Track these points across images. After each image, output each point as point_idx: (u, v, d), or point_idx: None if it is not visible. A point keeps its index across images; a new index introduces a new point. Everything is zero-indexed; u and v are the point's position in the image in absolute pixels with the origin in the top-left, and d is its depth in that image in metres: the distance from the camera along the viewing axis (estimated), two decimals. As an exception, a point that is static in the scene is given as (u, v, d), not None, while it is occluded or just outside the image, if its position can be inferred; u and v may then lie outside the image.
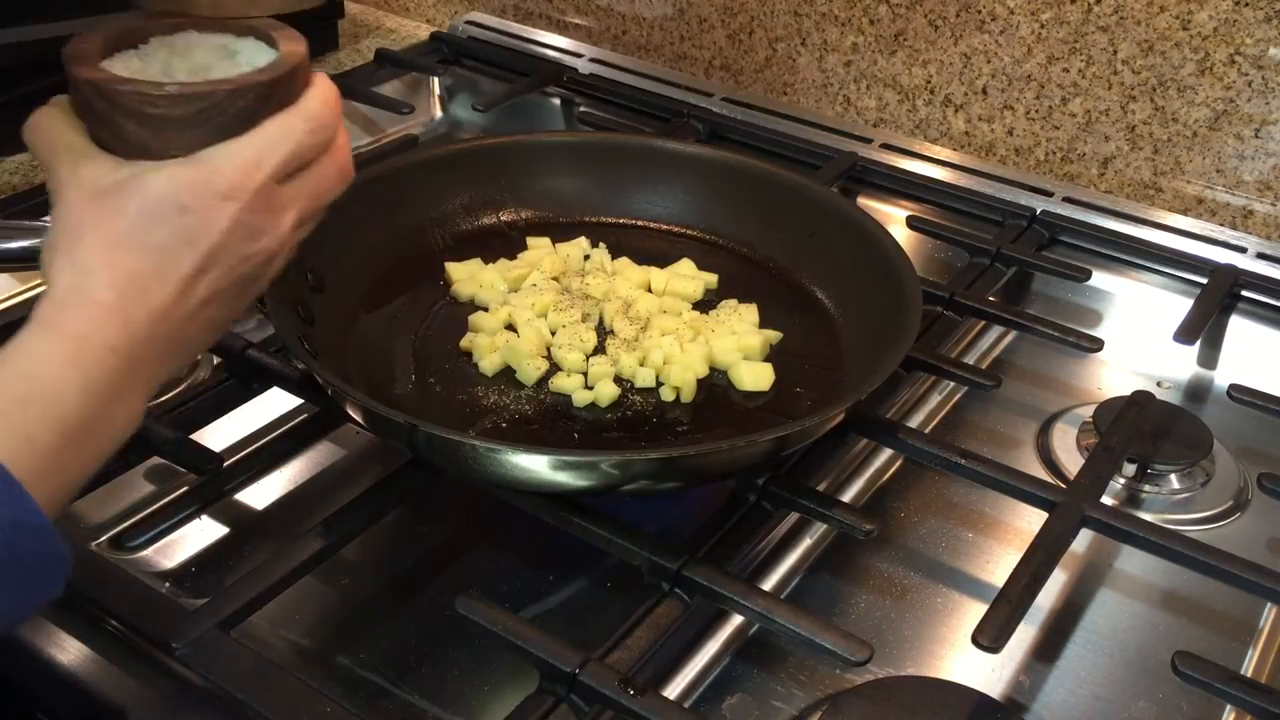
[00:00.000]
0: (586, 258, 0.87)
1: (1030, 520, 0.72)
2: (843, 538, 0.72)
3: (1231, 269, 0.93)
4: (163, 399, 0.76)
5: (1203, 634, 0.69)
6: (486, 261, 0.86)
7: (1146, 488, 0.78)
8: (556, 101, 1.20)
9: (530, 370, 0.75)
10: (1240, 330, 0.91)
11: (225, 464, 0.72)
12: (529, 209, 0.92)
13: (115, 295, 0.50)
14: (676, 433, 0.73)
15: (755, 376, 0.76)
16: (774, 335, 0.80)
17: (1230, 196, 1.00)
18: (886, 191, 1.06)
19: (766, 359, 0.78)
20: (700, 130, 1.11)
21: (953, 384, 0.85)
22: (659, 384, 0.76)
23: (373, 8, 1.43)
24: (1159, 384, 0.89)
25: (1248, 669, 0.67)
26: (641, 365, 0.76)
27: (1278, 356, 0.90)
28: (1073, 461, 0.79)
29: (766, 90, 1.20)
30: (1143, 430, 0.77)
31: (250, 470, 0.74)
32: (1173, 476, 0.78)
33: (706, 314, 0.82)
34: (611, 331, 0.80)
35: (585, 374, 0.76)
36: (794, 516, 0.72)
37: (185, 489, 0.72)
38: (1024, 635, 0.67)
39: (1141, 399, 0.79)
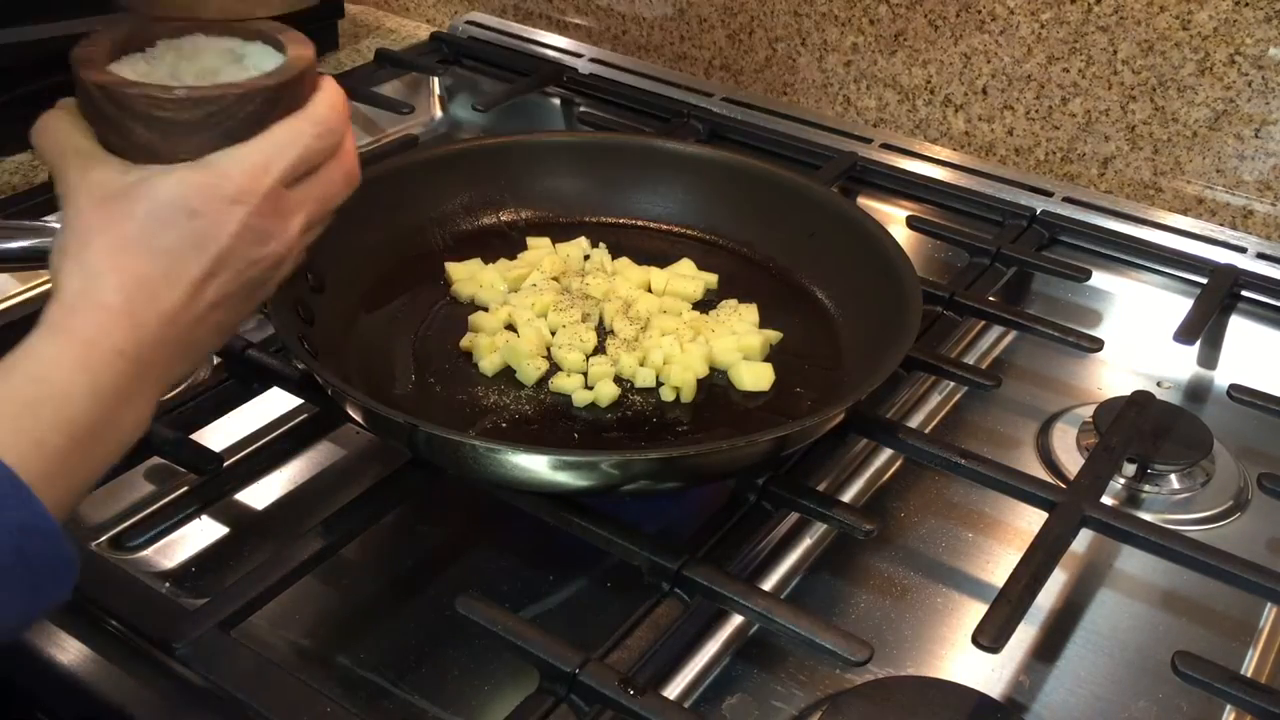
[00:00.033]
0: (586, 258, 0.87)
1: (1030, 520, 0.72)
2: (843, 538, 0.72)
3: (1231, 269, 0.93)
4: (163, 399, 0.76)
5: (1203, 634, 0.69)
6: (486, 261, 0.86)
7: (1146, 488, 0.78)
8: (556, 101, 1.20)
9: (530, 370, 0.75)
10: (1240, 330, 0.91)
11: (225, 464, 0.72)
12: (529, 209, 0.92)
13: (124, 299, 0.51)
14: (676, 433, 0.73)
15: (755, 376, 0.76)
16: (774, 335, 0.80)
17: (1230, 196, 1.00)
18: (886, 191, 1.06)
19: (766, 359, 0.78)
20: (700, 130, 1.11)
21: (953, 384, 0.85)
22: (659, 384, 0.76)
23: (373, 8, 1.43)
24: (1159, 384, 0.89)
25: (1248, 669, 0.67)
26: (641, 365, 0.76)
27: (1278, 356, 0.90)
28: (1073, 461, 0.79)
29: (766, 90, 1.20)
30: (1143, 430, 0.77)
31: (250, 470, 0.74)
32: (1173, 476, 0.78)
33: (706, 314, 0.82)
34: (611, 331, 0.80)
35: (585, 374, 0.76)
36: (794, 516, 0.72)
37: (185, 489, 0.72)
38: (1024, 635, 0.67)
39: (1141, 399, 0.79)
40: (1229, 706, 0.63)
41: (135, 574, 0.66)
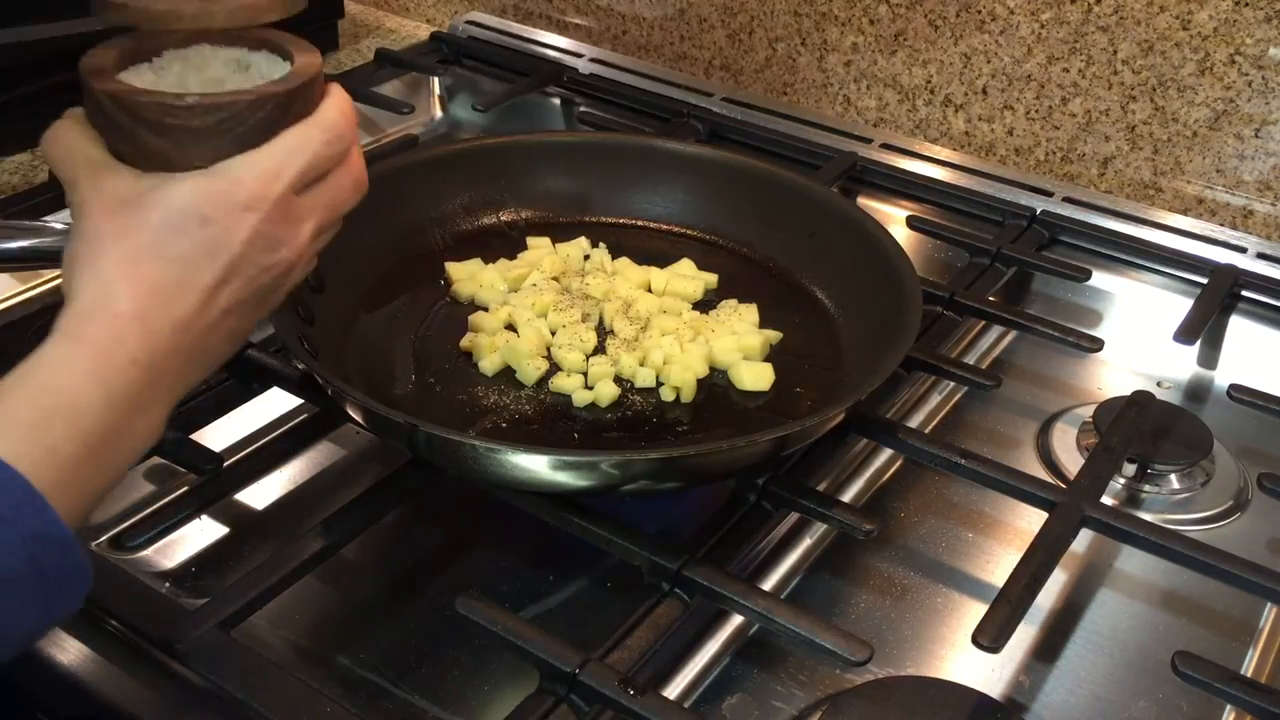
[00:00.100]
0: (586, 258, 0.87)
1: (1030, 520, 0.72)
2: (843, 538, 0.72)
3: (1231, 269, 0.93)
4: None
5: (1203, 634, 0.69)
6: (486, 261, 0.86)
7: (1146, 488, 0.78)
8: (556, 101, 1.20)
9: (530, 370, 0.75)
10: (1240, 330, 0.91)
11: (225, 464, 0.72)
12: (529, 209, 0.92)
13: (137, 307, 0.51)
14: (676, 433, 0.73)
15: (755, 376, 0.76)
16: (774, 335, 0.80)
17: (1230, 196, 1.00)
18: (886, 191, 1.06)
19: (766, 359, 0.78)
20: (700, 130, 1.11)
21: (953, 384, 0.85)
22: (659, 384, 0.76)
23: (373, 8, 1.43)
24: (1159, 384, 0.89)
25: (1248, 669, 0.67)
26: (641, 365, 0.76)
27: (1278, 356, 0.90)
28: (1073, 461, 0.79)
29: (766, 90, 1.20)
30: (1143, 430, 0.77)
31: (250, 470, 0.74)
32: (1173, 476, 0.78)
33: (706, 314, 0.82)
34: (611, 331, 0.80)
35: (585, 374, 0.76)
36: (794, 516, 0.72)
37: (185, 489, 0.72)
38: (1024, 635, 0.67)
39: (1141, 399, 0.79)
40: (1229, 706, 0.63)
41: (135, 574, 0.66)
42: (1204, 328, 0.87)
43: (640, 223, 0.92)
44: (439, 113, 1.25)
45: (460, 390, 0.75)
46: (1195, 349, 0.89)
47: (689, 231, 0.92)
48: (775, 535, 0.71)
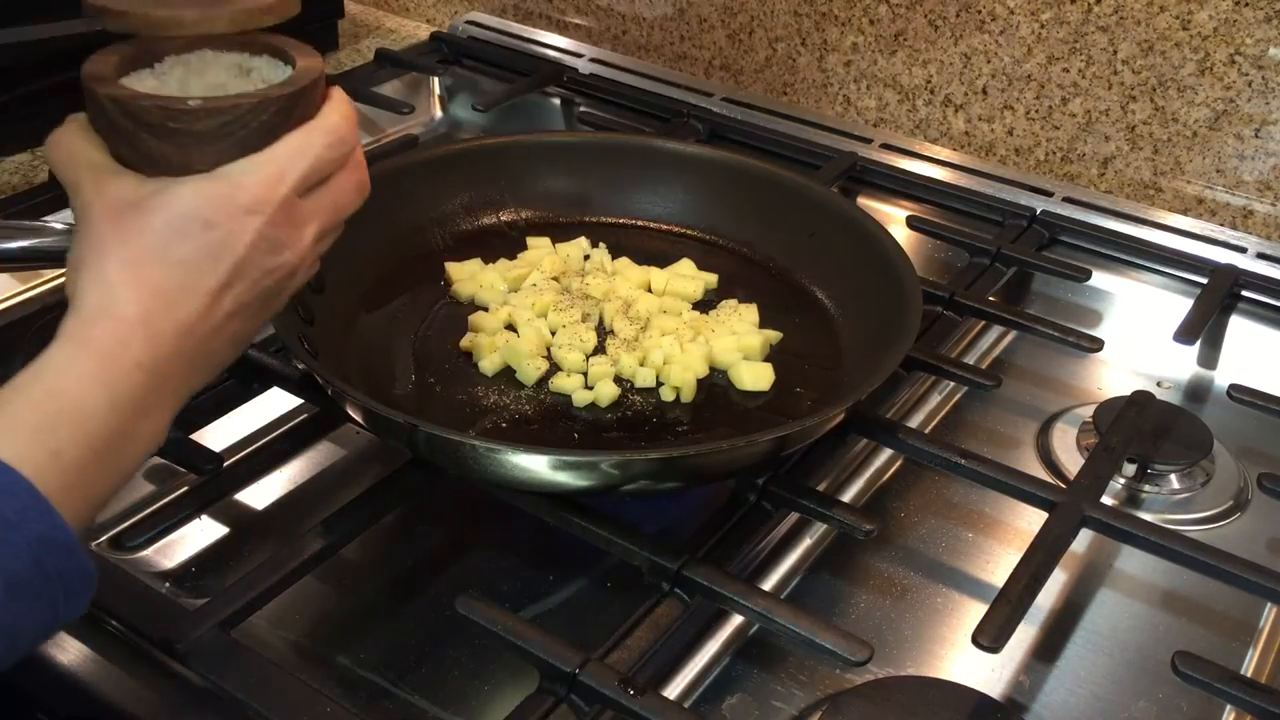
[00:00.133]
0: (586, 258, 0.87)
1: (1030, 520, 0.72)
2: (843, 538, 0.72)
3: (1231, 269, 0.93)
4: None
5: (1203, 634, 0.69)
6: (486, 261, 0.86)
7: (1146, 488, 0.78)
8: (556, 101, 1.20)
9: (530, 370, 0.75)
10: (1240, 330, 0.92)
11: (225, 464, 0.72)
12: (529, 209, 0.92)
13: (141, 311, 0.51)
14: (676, 433, 0.73)
15: (755, 376, 0.76)
16: (774, 335, 0.80)
17: (1230, 196, 1.00)
18: (886, 191, 1.06)
19: (766, 359, 0.78)
20: (700, 130, 1.11)
21: (953, 384, 0.85)
22: (659, 384, 0.76)
23: (373, 8, 1.43)
24: (1159, 384, 0.89)
25: (1248, 669, 0.67)
26: (641, 365, 0.76)
27: (1278, 356, 0.90)
28: (1073, 461, 0.79)
29: (766, 90, 1.20)
30: (1143, 430, 0.77)
31: (250, 470, 0.74)
32: (1173, 476, 0.78)
33: (706, 314, 0.82)
34: (611, 331, 0.80)
35: (585, 374, 0.76)
36: (794, 516, 0.72)
37: (185, 489, 0.72)
38: (1024, 635, 0.67)
39: (1141, 399, 0.79)
40: (1229, 706, 0.63)
41: (135, 574, 0.66)
42: (1204, 328, 0.87)
43: (640, 223, 0.92)
44: (439, 113, 1.25)
45: (460, 390, 0.75)
46: (1195, 349, 0.89)
47: (689, 231, 0.92)
48: (775, 535, 0.71)
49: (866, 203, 1.05)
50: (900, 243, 0.80)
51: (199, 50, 0.59)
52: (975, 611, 0.62)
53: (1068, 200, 1.02)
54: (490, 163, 0.91)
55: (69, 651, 0.59)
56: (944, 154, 1.09)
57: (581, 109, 1.17)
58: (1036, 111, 1.06)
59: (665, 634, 0.61)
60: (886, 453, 0.78)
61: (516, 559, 0.70)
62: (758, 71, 1.20)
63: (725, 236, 0.91)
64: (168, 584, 0.67)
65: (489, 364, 0.76)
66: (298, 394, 0.77)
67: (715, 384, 0.77)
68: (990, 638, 0.59)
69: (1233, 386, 0.83)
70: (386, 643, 0.65)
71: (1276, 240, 0.98)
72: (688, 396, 0.75)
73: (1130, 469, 0.78)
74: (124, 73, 0.57)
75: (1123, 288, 0.96)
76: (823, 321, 0.83)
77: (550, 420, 0.73)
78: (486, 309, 0.81)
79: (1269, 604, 0.70)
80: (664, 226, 0.92)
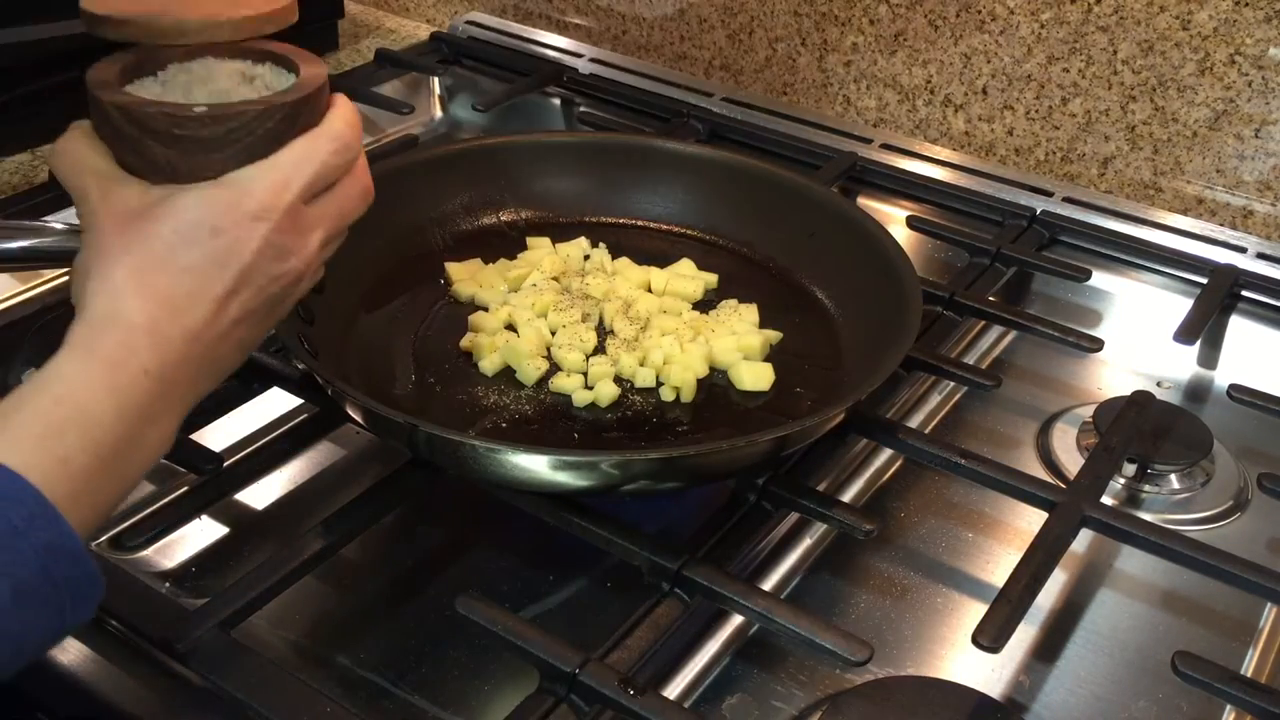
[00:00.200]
0: (586, 258, 0.87)
1: (1030, 520, 0.72)
2: (843, 538, 0.72)
3: (1231, 269, 0.93)
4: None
5: (1203, 634, 0.69)
6: (486, 261, 0.86)
7: (1146, 488, 0.78)
8: (556, 101, 1.20)
9: (530, 370, 0.75)
10: (1240, 330, 0.92)
11: (225, 464, 0.72)
12: (529, 209, 0.92)
13: (149, 319, 0.51)
14: (676, 433, 0.73)
15: (755, 376, 0.76)
16: (774, 335, 0.80)
17: (1230, 196, 1.00)
18: (886, 191, 1.06)
19: (766, 359, 0.78)
20: (700, 130, 1.11)
21: (953, 384, 0.85)
22: (659, 384, 0.76)
23: (373, 8, 1.43)
24: (1159, 384, 0.89)
25: (1248, 669, 0.67)
26: (641, 365, 0.76)
27: (1278, 356, 0.90)
28: (1073, 461, 0.79)
29: (766, 90, 1.20)
30: (1143, 430, 0.77)
31: (250, 470, 0.74)
32: (1173, 476, 0.78)
33: (706, 314, 0.82)
34: (611, 331, 0.80)
35: (585, 374, 0.76)
36: (794, 516, 0.72)
37: (185, 489, 0.72)
38: (1024, 635, 0.67)
39: (1141, 399, 0.79)
40: (1229, 706, 0.63)
41: (135, 574, 0.66)
42: (1204, 328, 0.87)
43: (640, 223, 0.92)
44: (439, 113, 1.25)
45: (460, 390, 0.75)
46: (1195, 349, 0.89)
47: (689, 231, 0.92)
48: (775, 535, 0.71)
49: (866, 203, 1.05)
50: (900, 243, 0.80)
51: (202, 58, 0.59)
52: (975, 611, 0.62)
53: (1068, 200, 1.02)
54: (490, 163, 0.91)
55: (69, 652, 0.59)
56: (944, 154, 1.09)
57: (581, 109, 1.17)
58: (1036, 111, 1.06)
59: (665, 634, 0.61)
60: (886, 453, 0.78)
61: (516, 559, 0.70)
62: (758, 71, 1.20)
63: (725, 236, 0.91)
64: (168, 584, 0.67)
65: (489, 364, 0.76)
66: (298, 394, 0.77)
67: (715, 384, 0.77)
68: (990, 638, 0.59)
69: (1233, 386, 0.83)
70: (386, 643, 0.65)
71: (1276, 240, 0.98)
72: (688, 396, 0.75)
73: (1130, 469, 0.78)
74: (127, 80, 0.57)
75: (1123, 288, 0.96)
76: (823, 321, 0.83)
77: (550, 420, 0.73)
78: (486, 309, 0.81)
79: (1269, 604, 0.70)
80: (664, 226, 0.92)
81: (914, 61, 1.10)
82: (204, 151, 0.53)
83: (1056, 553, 0.66)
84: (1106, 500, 0.72)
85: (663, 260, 0.87)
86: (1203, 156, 1.00)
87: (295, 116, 0.55)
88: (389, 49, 1.25)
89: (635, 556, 0.64)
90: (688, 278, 0.84)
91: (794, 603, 0.64)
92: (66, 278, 0.86)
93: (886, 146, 1.10)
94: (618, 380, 0.76)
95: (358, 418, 0.67)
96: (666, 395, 0.75)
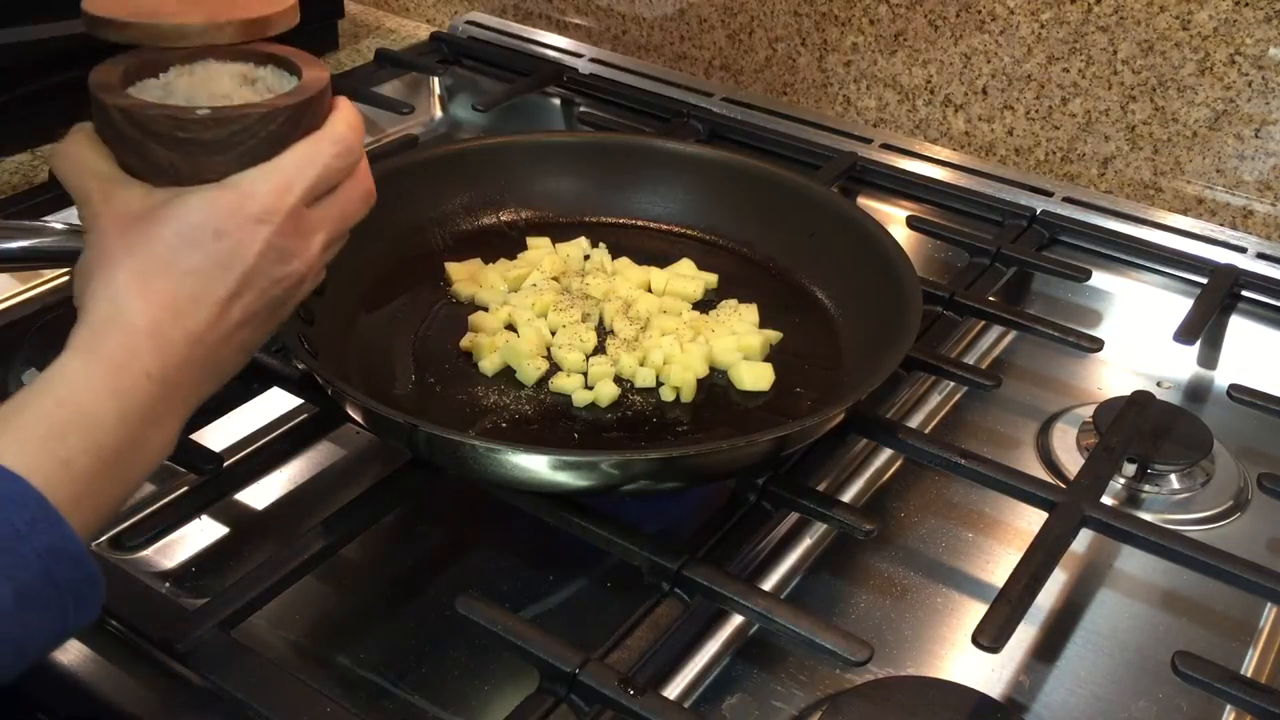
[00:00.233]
0: (586, 258, 0.87)
1: (1030, 520, 0.72)
2: (843, 538, 0.72)
3: (1231, 269, 0.93)
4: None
5: (1203, 634, 0.69)
6: (486, 261, 0.86)
7: (1146, 488, 0.78)
8: (556, 101, 1.20)
9: (530, 370, 0.75)
10: (1240, 330, 0.92)
11: (225, 464, 0.72)
12: (529, 209, 0.92)
13: (151, 322, 0.51)
14: (676, 433, 0.73)
15: (755, 376, 0.76)
16: (774, 335, 0.80)
17: (1230, 196, 1.00)
18: (886, 191, 1.06)
19: (766, 359, 0.78)
20: (700, 130, 1.11)
21: (953, 384, 0.85)
22: (659, 384, 0.76)
23: (373, 8, 1.43)
24: (1159, 384, 0.89)
25: (1248, 669, 0.67)
26: (641, 365, 0.76)
27: (1278, 356, 0.90)
28: (1073, 461, 0.79)
29: (766, 90, 1.20)
30: (1143, 430, 0.77)
31: (250, 470, 0.74)
32: (1173, 476, 0.78)
33: (706, 314, 0.82)
34: (611, 331, 0.80)
35: (585, 374, 0.76)
36: (794, 516, 0.72)
37: (185, 489, 0.72)
38: (1024, 635, 0.67)
39: (1141, 399, 0.79)
40: (1229, 706, 0.63)
41: (135, 574, 0.66)
42: (1204, 328, 0.87)
43: (640, 223, 0.92)
44: (439, 113, 1.25)
45: (460, 390, 0.75)
46: (1195, 349, 0.89)
47: (689, 231, 0.92)
48: (775, 535, 0.71)
49: (866, 203, 1.05)
50: (900, 243, 0.80)
51: (203, 60, 0.59)
52: (975, 611, 0.62)
53: (1068, 200, 1.02)
54: (490, 163, 0.91)
55: (69, 651, 0.59)
56: (944, 154, 1.09)
57: (581, 109, 1.17)
58: (1036, 111, 1.06)
59: (665, 634, 0.61)
60: (886, 453, 0.78)
61: (516, 559, 0.70)
62: (758, 71, 1.20)
63: (725, 236, 0.91)
64: (168, 584, 0.67)
65: (489, 364, 0.76)
66: (298, 394, 0.77)
67: (715, 384, 0.77)
68: (990, 638, 0.59)
69: (1233, 386, 0.83)
70: (386, 643, 0.65)
71: (1276, 240, 0.98)
72: (688, 396, 0.75)
73: (1130, 469, 0.78)
74: (129, 82, 0.57)
75: (1123, 288, 0.96)
76: (823, 321, 0.83)
77: (550, 420, 0.73)
78: (486, 309, 0.81)
79: (1269, 604, 0.70)
80: (664, 226, 0.92)
81: (914, 61, 1.10)
82: (207, 154, 0.53)
83: (1056, 553, 0.66)
84: (1106, 500, 0.72)
85: (663, 260, 0.87)
86: (1203, 156, 1.00)
87: (298, 119, 0.55)
88: (389, 49, 1.25)
89: (635, 556, 0.64)
90: (688, 278, 0.84)
91: (794, 603, 0.64)
92: (66, 278, 0.86)
93: (886, 146, 1.10)
94: (618, 380, 0.76)
95: (358, 418, 0.67)
96: (666, 395, 0.75)
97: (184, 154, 0.53)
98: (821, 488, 0.73)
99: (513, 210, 0.91)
